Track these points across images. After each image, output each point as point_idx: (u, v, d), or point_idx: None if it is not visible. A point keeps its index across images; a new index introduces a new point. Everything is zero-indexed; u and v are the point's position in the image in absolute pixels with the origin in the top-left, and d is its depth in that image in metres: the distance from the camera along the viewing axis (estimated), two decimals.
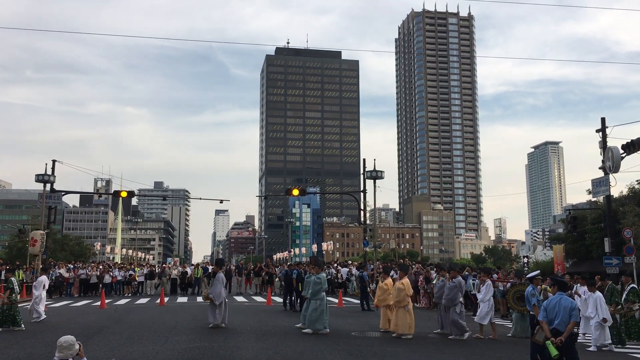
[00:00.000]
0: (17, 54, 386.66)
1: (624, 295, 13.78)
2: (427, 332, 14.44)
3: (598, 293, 13.02)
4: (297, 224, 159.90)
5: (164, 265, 39.53)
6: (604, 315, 12.51)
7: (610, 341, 12.67)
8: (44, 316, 16.43)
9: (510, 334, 14.27)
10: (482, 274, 15.78)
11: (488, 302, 13.95)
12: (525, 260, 54.10)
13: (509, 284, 16.63)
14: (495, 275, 18.76)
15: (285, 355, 10.69)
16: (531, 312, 11.44)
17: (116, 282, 31.03)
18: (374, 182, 33.78)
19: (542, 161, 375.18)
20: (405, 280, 13.85)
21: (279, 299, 23.72)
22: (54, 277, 30.14)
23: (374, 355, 10.85)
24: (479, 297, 14.49)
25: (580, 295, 14.88)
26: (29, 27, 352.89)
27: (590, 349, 12.63)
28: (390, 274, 16.28)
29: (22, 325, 14.39)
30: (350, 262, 40.54)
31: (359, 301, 21.85)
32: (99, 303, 22.34)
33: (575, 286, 16.59)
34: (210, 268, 34.42)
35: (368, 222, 39.03)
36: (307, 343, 12.08)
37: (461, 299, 13.61)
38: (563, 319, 7.71)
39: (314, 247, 79.17)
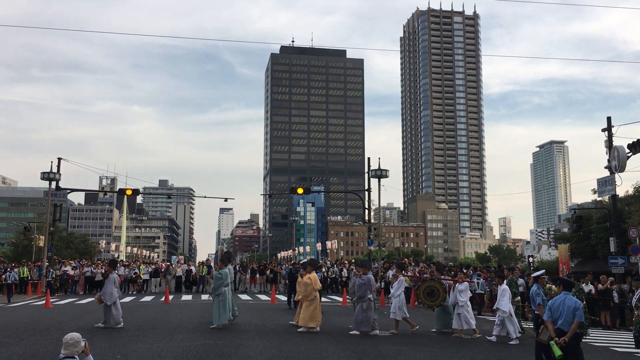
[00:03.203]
0: (24, 53, 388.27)
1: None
2: (428, 331, 14.44)
3: (505, 285, 13.48)
4: (302, 222, 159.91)
5: (167, 263, 39.64)
6: (498, 306, 13.03)
7: (517, 334, 13.07)
8: None
9: (433, 330, 14.51)
10: (396, 270, 15.91)
11: (399, 297, 14.07)
12: (530, 259, 53.98)
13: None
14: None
15: (289, 353, 10.70)
16: (536, 312, 11.43)
17: (122, 281, 31.07)
18: (379, 181, 33.78)
19: (548, 160, 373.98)
20: (313, 275, 14.15)
21: (283, 298, 23.74)
22: (55, 275, 30.33)
23: (378, 354, 10.85)
24: (391, 293, 14.65)
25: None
26: (35, 25, 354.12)
27: (511, 342, 12.86)
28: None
29: None
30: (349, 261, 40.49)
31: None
32: None
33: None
34: (213, 266, 34.56)
35: (372, 220, 39.02)
36: (311, 341, 12.09)
37: (370, 296, 13.64)
38: (567, 318, 7.71)
39: (319, 246, 79.29)
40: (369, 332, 13.36)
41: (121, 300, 23.77)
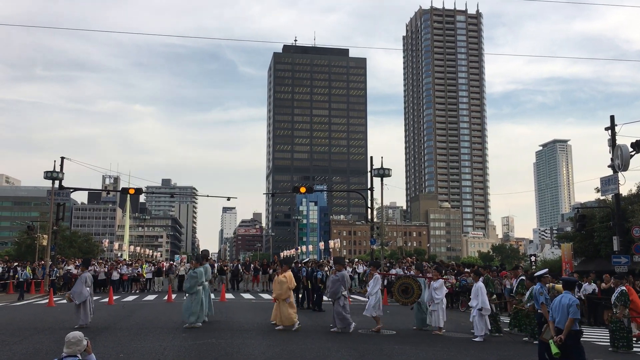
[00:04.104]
0: (27, 52, 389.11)
1: (515, 287, 14.79)
2: (430, 330, 14.42)
3: (480, 283, 13.50)
4: (304, 221, 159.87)
5: (170, 262, 39.75)
6: (483, 305, 13.02)
7: (488, 331, 13.14)
8: None
9: (414, 327, 14.62)
10: (372, 268, 16.03)
11: (375, 295, 14.06)
12: (533, 258, 53.85)
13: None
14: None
15: (291, 352, 10.71)
16: (539, 311, 11.41)
17: (125, 280, 31.10)
18: (381, 180, 33.77)
19: (551, 159, 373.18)
20: (288, 273, 14.08)
21: None
22: (58, 274, 30.39)
23: (381, 353, 10.85)
24: (368, 290, 14.68)
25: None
26: (39, 24, 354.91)
27: (476, 339, 12.90)
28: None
29: None
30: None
31: (366, 299, 21.84)
32: (107, 300, 22.45)
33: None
34: (216, 265, 34.62)
35: (375, 220, 38.99)
36: (314, 340, 12.10)
37: (344, 292, 13.67)
38: (562, 317, 7.75)
39: (321, 245, 79.34)
40: (348, 328, 13.41)
41: (124, 299, 23.89)
